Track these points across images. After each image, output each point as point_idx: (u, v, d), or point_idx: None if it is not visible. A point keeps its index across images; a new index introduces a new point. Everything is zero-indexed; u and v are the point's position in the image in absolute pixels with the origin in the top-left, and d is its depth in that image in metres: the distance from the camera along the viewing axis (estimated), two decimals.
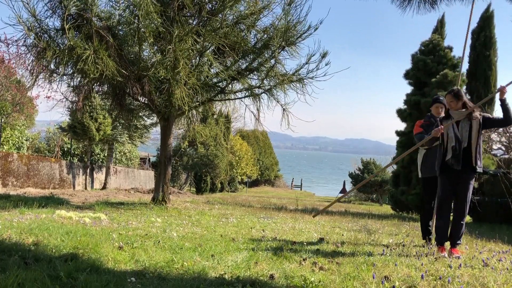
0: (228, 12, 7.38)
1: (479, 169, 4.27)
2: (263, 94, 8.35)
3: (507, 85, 4.53)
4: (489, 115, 4.39)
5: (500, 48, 16.77)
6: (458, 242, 4.36)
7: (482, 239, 6.72)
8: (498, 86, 17.25)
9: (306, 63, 7.92)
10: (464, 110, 4.32)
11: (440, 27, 17.43)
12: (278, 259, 3.46)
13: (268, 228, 6.07)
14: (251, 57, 8.02)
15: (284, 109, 8.39)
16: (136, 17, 6.66)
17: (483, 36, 16.12)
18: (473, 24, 17.20)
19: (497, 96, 4.41)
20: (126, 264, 3.04)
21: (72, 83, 7.85)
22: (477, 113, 4.35)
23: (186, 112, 8.29)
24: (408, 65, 16.87)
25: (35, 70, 6.84)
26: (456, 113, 4.36)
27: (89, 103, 14.52)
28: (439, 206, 4.50)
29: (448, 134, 4.37)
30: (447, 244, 4.49)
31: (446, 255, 4.16)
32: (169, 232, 4.76)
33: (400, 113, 16.43)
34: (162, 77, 7.10)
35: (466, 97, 4.49)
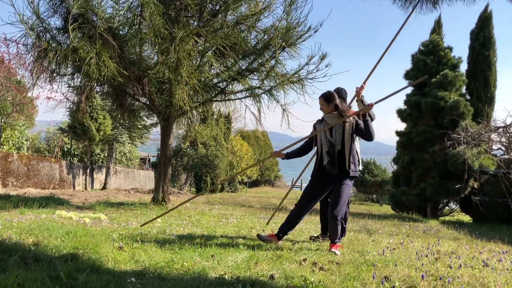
0: (229, 13, 7.39)
1: (352, 173, 4.15)
2: (263, 94, 8.36)
3: (364, 82, 4.44)
4: (361, 122, 4.18)
5: (499, 48, 16.77)
6: (336, 241, 4.25)
7: (482, 239, 6.72)
8: (497, 85, 17.02)
9: (306, 64, 7.94)
10: (336, 112, 4.19)
11: (437, 28, 17.44)
12: (278, 259, 3.46)
13: (268, 228, 6.07)
14: (252, 57, 8.03)
15: (284, 110, 8.40)
16: (138, 18, 6.67)
17: (482, 37, 16.14)
18: (472, 25, 17.22)
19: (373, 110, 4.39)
20: (126, 264, 3.04)
21: (72, 84, 7.86)
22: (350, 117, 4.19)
23: (187, 112, 8.29)
24: (408, 65, 16.89)
25: (35, 71, 6.84)
26: (329, 116, 4.23)
27: (89, 104, 14.52)
28: (301, 203, 4.43)
29: (322, 139, 4.26)
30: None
31: (336, 252, 4.09)
32: (169, 232, 4.76)
33: (400, 114, 16.44)
34: (164, 77, 7.11)
35: (340, 99, 4.38)
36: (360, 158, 4.71)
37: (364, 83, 4.59)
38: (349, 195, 4.42)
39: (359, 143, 4.83)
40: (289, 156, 4.54)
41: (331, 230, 4.21)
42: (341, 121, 4.15)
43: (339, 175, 4.18)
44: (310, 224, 7.33)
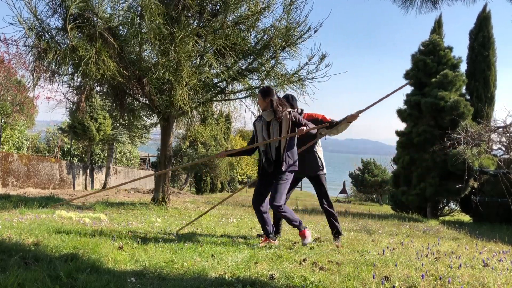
0: (229, 13, 7.39)
1: (284, 168, 4.15)
2: None
3: (359, 113, 4.43)
4: (299, 117, 4.21)
5: (499, 48, 16.77)
6: (301, 227, 4.31)
7: (482, 239, 6.72)
8: (497, 85, 17.01)
9: (306, 64, 7.95)
10: (271, 110, 4.18)
11: (437, 27, 17.44)
12: (278, 259, 3.46)
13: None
14: (252, 57, 8.03)
15: None
16: (138, 18, 6.67)
17: (481, 37, 16.14)
18: (471, 25, 17.22)
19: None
20: (126, 264, 3.04)
21: (72, 84, 7.86)
22: (286, 113, 4.18)
23: (187, 112, 8.29)
24: (408, 65, 16.89)
25: (35, 71, 6.85)
26: (265, 113, 4.23)
27: (89, 104, 14.54)
28: (254, 199, 4.43)
29: (260, 138, 4.27)
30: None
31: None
32: (169, 232, 4.76)
33: (400, 113, 16.44)
34: (164, 78, 7.12)
35: (287, 105, 4.36)
36: (321, 158, 4.74)
37: (358, 114, 4.57)
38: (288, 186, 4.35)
39: (320, 143, 4.87)
40: (231, 155, 4.81)
41: (285, 219, 4.29)
42: (273, 115, 4.15)
43: (278, 171, 4.21)
44: (310, 224, 7.33)
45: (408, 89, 16.54)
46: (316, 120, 4.68)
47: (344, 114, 4.62)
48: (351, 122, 4.45)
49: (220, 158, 4.91)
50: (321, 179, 4.73)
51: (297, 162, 4.31)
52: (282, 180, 4.18)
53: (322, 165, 4.77)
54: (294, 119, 4.18)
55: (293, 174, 4.32)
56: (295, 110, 4.69)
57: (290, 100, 4.71)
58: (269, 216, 4.43)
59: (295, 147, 4.33)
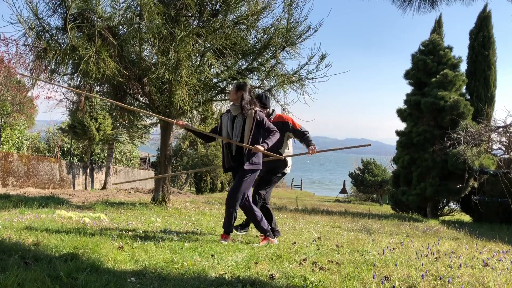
0: (229, 12, 7.39)
1: (246, 167, 4.16)
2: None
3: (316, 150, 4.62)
4: (263, 118, 4.22)
5: (499, 48, 16.77)
6: (228, 230, 4.31)
7: (482, 239, 6.72)
8: (497, 85, 17.05)
9: (306, 64, 7.95)
10: (239, 104, 4.22)
11: (438, 27, 17.45)
12: (278, 259, 3.46)
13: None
14: (252, 57, 8.03)
15: (284, 109, 8.40)
16: (138, 17, 6.66)
17: (481, 36, 16.13)
18: (471, 25, 17.21)
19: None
20: (126, 264, 3.04)
21: (72, 83, 7.86)
22: (252, 111, 4.20)
23: (187, 112, 8.29)
24: (408, 65, 16.89)
25: (35, 71, 6.84)
26: (232, 107, 4.28)
27: (89, 103, 14.53)
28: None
29: (223, 132, 4.32)
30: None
31: (224, 242, 4.15)
32: (169, 232, 4.76)
33: (400, 113, 16.44)
34: (164, 78, 7.11)
35: (259, 104, 4.45)
36: (287, 159, 4.75)
37: (315, 152, 4.65)
38: (251, 185, 4.37)
39: (291, 141, 4.92)
40: (189, 129, 4.67)
41: (225, 218, 4.29)
42: (240, 109, 4.19)
43: (241, 167, 4.21)
44: (310, 224, 7.34)
45: (408, 88, 16.56)
46: (285, 124, 4.72)
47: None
48: (308, 153, 4.60)
49: (178, 126, 4.96)
50: (273, 180, 4.77)
51: (261, 160, 4.32)
52: (244, 178, 4.18)
53: (284, 165, 4.78)
54: (258, 119, 4.20)
55: (256, 173, 4.31)
56: (267, 110, 4.73)
57: (263, 99, 4.75)
58: (260, 213, 4.42)
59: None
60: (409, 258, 3.85)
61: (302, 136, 4.71)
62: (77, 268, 2.76)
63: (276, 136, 4.25)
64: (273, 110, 4.86)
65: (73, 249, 3.32)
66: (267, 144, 4.17)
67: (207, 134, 4.51)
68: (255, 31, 7.92)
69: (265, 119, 4.26)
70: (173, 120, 4.71)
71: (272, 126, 4.28)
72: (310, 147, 4.63)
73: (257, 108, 4.29)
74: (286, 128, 4.73)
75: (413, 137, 15.29)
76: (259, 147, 4.12)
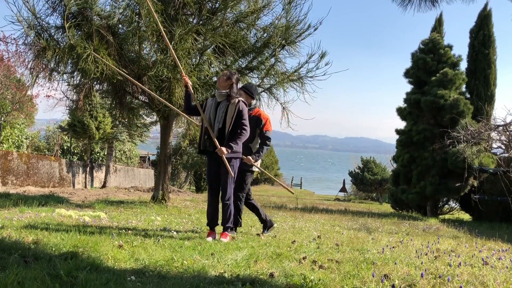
0: (229, 10, 7.38)
1: (231, 154, 4.19)
2: (263, 92, 8.35)
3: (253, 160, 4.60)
4: (242, 111, 4.23)
5: (499, 47, 16.75)
6: (227, 225, 4.34)
7: (482, 237, 6.73)
8: (497, 84, 17.05)
9: (306, 62, 7.93)
10: (225, 92, 4.26)
11: (438, 26, 17.42)
12: (277, 258, 3.46)
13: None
14: (251, 55, 8.02)
15: (284, 108, 8.39)
16: (137, 16, 6.65)
17: (481, 35, 16.10)
18: (471, 23, 17.20)
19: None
20: (126, 262, 3.04)
21: (72, 82, 7.85)
22: (236, 100, 4.25)
23: None
24: (408, 63, 16.87)
25: (35, 69, 6.84)
26: (218, 94, 4.33)
27: (89, 102, 14.53)
28: (208, 188, 4.53)
29: (206, 115, 4.33)
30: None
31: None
32: (168, 231, 4.76)
33: (400, 112, 16.43)
34: (163, 76, 7.10)
35: (246, 94, 4.54)
36: (254, 148, 4.75)
37: (252, 162, 4.65)
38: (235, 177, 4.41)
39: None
40: (188, 94, 4.60)
41: (223, 215, 4.35)
42: (225, 95, 4.24)
43: (219, 156, 4.22)
44: (310, 222, 7.34)
45: (408, 87, 16.55)
46: (259, 121, 4.74)
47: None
48: (243, 157, 4.53)
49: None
50: (246, 177, 4.77)
51: (241, 149, 4.33)
52: (230, 165, 4.21)
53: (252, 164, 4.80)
54: (239, 110, 4.23)
55: (238, 161, 4.36)
56: (252, 100, 4.74)
57: (252, 89, 4.77)
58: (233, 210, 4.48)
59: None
60: (408, 256, 3.85)
61: (261, 141, 4.71)
62: (77, 266, 2.76)
63: (245, 136, 4.27)
64: (255, 105, 4.88)
65: (73, 248, 3.32)
66: (259, 155, 4.40)
67: (197, 107, 4.46)
68: (255, 29, 7.91)
69: (245, 113, 4.27)
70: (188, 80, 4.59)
71: (246, 123, 4.26)
72: (252, 156, 4.59)
73: (241, 98, 4.33)
74: (259, 125, 4.75)
75: (413, 136, 15.28)
76: (250, 158, 4.31)
